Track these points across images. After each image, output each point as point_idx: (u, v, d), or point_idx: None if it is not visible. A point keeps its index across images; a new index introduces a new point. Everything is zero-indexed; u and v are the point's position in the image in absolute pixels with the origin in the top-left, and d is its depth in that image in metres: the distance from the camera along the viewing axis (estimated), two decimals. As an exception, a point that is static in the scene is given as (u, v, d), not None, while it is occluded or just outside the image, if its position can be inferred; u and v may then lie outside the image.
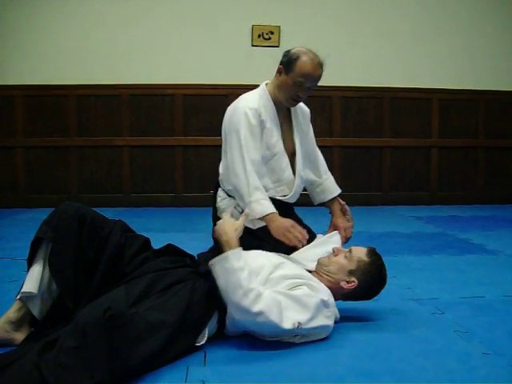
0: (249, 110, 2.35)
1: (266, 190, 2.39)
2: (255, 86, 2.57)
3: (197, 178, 5.24)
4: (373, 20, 5.36)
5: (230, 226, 1.91)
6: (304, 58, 2.31)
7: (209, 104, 5.21)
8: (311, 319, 1.76)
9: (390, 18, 5.37)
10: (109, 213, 2.32)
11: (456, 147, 5.53)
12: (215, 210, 2.59)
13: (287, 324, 1.71)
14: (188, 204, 5.19)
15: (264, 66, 4.57)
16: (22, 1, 5.02)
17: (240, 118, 2.35)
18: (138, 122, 5.20)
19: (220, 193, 2.57)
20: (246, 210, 2.27)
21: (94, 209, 1.91)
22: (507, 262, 3.12)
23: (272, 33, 5.19)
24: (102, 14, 5.10)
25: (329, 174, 2.69)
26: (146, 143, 5.20)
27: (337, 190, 2.63)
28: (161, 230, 3.94)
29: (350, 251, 1.99)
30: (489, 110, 5.54)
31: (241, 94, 2.53)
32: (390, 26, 5.38)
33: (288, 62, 2.34)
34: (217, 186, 2.61)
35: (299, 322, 1.73)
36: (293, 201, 2.54)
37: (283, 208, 2.48)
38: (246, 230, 2.12)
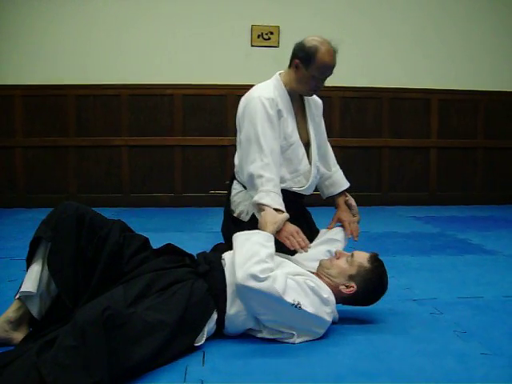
0: (265, 100, 2.30)
1: (284, 181, 2.36)
2: (254, 87, 2.56)
3: (196, 178, 5.24)
4: (372, 20, 5.36)
5: (270, 218, 2.03)
6: (322, 51, 2.28)
7: (208, 104, 5.22)
8: (311, 305, 1.78)
9: (390, 19, 5.37)
10: (108, 213, 2.32)
11: (455, 148, 5.53)
12: (229, 203, 2.50)
13: (289, 298, 1.74)
14: (187, 204, 5.19)
15: (263, 66, 4.59)
16: (21, 1, 5.02)
17: (256, 107, 2.30)
18: (137, 122, 5.19)
19: (235, 185, 2.49)
20: (256, 198, 2.20)
21: (93, 209, 1.91)
22: (506, 263, 3.12)
23: (271, 33, 5.18)
24: (101, 14, 5.10)
25: (337, 167, 2.66)
26: (145, 143, 5.20)
27: (346, 184, 2.59)
28: (160, 229, 3.94)
29: (352, 255, 1.97)
30: (488, 111, 5.54)
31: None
32: (390, 26, 5.38)
33: (307, 57, 2.30)
34: (232, 178, 2.54)
35: (299, 302, 1.75)
36: (309, 192, 2.49)
37: (297, 200, 2.47)
38: (252, 226, 2.11)
